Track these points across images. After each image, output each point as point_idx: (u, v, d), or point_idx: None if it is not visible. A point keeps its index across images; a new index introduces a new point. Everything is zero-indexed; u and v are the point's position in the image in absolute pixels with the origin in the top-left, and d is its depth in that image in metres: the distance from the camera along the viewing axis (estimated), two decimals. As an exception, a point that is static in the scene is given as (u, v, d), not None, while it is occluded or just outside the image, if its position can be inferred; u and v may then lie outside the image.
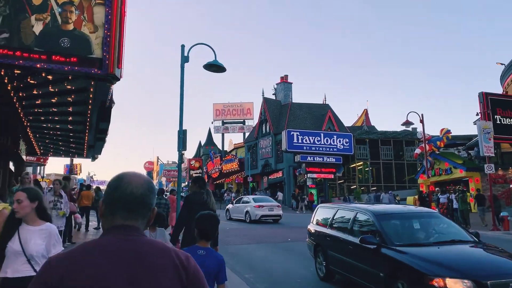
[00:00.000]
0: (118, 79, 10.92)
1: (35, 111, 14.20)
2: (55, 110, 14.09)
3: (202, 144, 66.30)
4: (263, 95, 45.24)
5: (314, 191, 35.62)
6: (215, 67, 11.61)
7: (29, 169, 59.11)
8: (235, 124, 61.54)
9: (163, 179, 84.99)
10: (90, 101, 12.91)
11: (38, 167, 58.90)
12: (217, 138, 63.39)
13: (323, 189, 37.41)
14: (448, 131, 29.04)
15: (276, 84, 47.60)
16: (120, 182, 1.43)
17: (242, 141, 56.19)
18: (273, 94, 50.38)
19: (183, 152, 11.29)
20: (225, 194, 44.00)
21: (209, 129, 63.96)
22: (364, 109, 51.19)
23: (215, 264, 3.07)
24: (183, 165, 54.81)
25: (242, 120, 61.06)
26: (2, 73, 11.09)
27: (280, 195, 38.36)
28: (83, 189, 17.28)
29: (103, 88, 12.52)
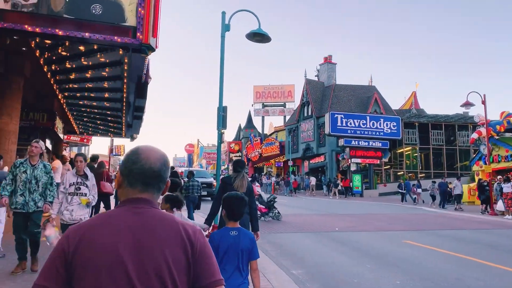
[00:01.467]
0: (154, 50, 9.95)
1: (70, 86, 13.59)
2: (90, 85, 13.40)
3: (242, 127, 65.57)
4: (305, 76, 43.69)
5: (358, 177, 33.96)
6: (259, 36, 10.43)
7: (74, 150, 60.64)
8: (275, 107, 60.24)
9: (203, 162, 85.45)
10: (125, 75, 12.09)
11: (83, 148, 60.41)
12: (257, 121, 62.49)
13: (368, 175, 35.67)
14: (510, 115, 26.48)
15: (319, 65, 45.79)
16: (138, 156, 1.46)
17: (282, 124, 54.95)
18: (315, 76, 48.65)
19: (223, 131, 10.25)
20: (265, 178, 42.97)
21: (249, 112, 63.07)
22: (413, 92, 48.42)
23: (247, 243, 3.19)
24: (223, 148, 54.09)
25: (282, 103, 59.64)
26: (33, 45, 10.44)
27: (313, 179, 37.27)
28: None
29: (138, 60, 11.64)
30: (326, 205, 24.23)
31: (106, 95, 14.30)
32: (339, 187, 33.28)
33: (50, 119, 14.59)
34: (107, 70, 11.91)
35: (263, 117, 59.82)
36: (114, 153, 74.12)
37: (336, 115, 34.61)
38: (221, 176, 7.09)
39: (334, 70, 44.35)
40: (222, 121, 10.10)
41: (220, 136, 10.18)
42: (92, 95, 14.44)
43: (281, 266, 7.41)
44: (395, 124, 35.70)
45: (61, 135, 16.78)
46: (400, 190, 27.05)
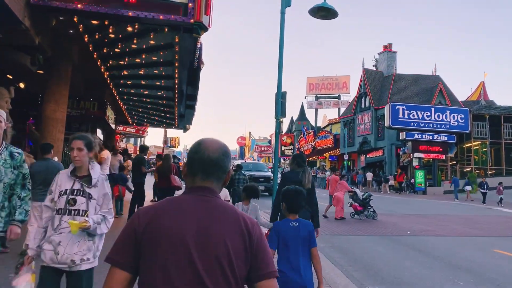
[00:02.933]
0: (206, 29, 8.94)
1: (120, 74, 12.99)
2: (140, 72, 12.71)
3: (294, 120, 64.19)
4: (363, 65, 41.45)
5: (421, 173, 31.61)
6: (324, 11, 9.12)
7: (131, 142, 62.00)
8: (329, 99, 58.35)
9: (255, 154, 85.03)
10: (177, 60, 11.24)
11: (139, 140, 61.74)
12: (310, 114, 60.91)
13: (432, 171, 33.15)
14: None
15: (378, 53, 43.38)
16: (199, 147, 1.55)
17: (336, 116, 52.99)
18: (373, 66, 46.32)
19: (281, 120, 9.09)
20: (317, 173, 41.42)
21: (302, 104, 61.54)
22: (481, 82, 44.68)
23: (306, 232, 3.34)
24: (274, 141, 53.09)
25: (337, 95, 57.65)
26: (81, 28, 9.81)
27: (369, 175, 35.73)
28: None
29: (189, 42, 10.73)
30: (387, 203, 22.48)
31: (157, 83, 13.60)
32: (390, 182, 31.78)
33: (100, 108, 14.14)
34: (157, 54, 11.12)
35: (316, 110, 58.18)
36: (168, 145, 75.54)
37: (397, 107, 32.34)
38: (280, 171, 6.41)
39: (394, 59, 41.75)
40: (281, 109, 8.94)
41: (279, 125, 9.04)
42: (143, 82, 13.80)
43: (353, 280, 6.17)
44: (462, 116, 32.84)
45: (112, 125, 16.39)
46: (481, 190, 24.21)
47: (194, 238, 1.37)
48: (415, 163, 32.57)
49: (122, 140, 46.51)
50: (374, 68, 43.91)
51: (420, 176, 31.58)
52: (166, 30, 9.17)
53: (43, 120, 9.93)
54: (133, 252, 1.40)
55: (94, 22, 9.19)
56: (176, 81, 12.74)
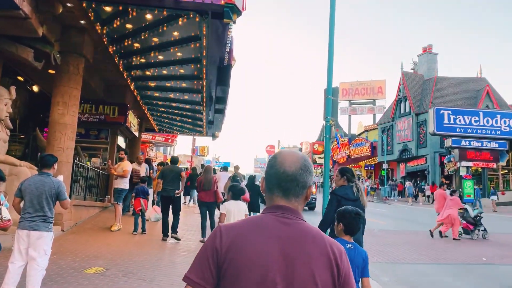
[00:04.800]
0: (239, 13, 7.32)
1: (142, 74, 11.58)
2: (165, 72, 11.24)
3: (327, 127, 61.97)
4: (401, 68, 39.06)
5: (470, 183, 28.93)
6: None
7: (161, 151, 61.46)
8: (363, 105, 55.94)
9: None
10: (205, 55, 9.66)
11: (168, 148, 61.12)
12: (343, 121, 58.85)
13: (481, 181, 30.38)
14: None
15: (418, 56, 40.83)
16: (275, 161, 1.42)
17: (371, 123, 50.57)
18: (411, 69, 43.71)
19: (332, 122, 7.32)
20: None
21: (335, 110, 59.20)
22: (531, 84, 41.40)
23: (360, 259, 3.19)
24: (305, 149, 51.23)
25: (372, 100, 55.20)
26: (92, 16, 8.40)
27: (408, 185, 33.51)
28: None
29: (219, 32, 9.16)
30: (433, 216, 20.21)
31: (184, 84, 12.10)
32: (427, 193, 29.76)
33: (121, 113, 12.75)
34: (182, 50, 9.59)
35: (350, 116, 55.90)
36: (198, 154, 74.90)
37: (442, 111, 29.83)
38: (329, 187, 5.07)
39: (435, 61, 39.17)
40: (331, 108, 7.19)
41: (329, 129, 7.29)
42: (168, 85, 12.32)
43: None
44: (515, 121, 30.01)
45: (135, 133, 15.02)
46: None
47: (279, 267, 1.25)
48: (463, 172, 29.88)
49: (152, 149, 45.65)
50: (412, 72, 41.42)
51: (468, 187, 28.81)
52: (191, 16, 7.63)
53: (50, 125, 8.56)
54: (214, 275, 1.29)
55: (107, 8, 7.76)
56: (204, 82, 11.20)
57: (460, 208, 12.45)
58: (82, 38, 8.76)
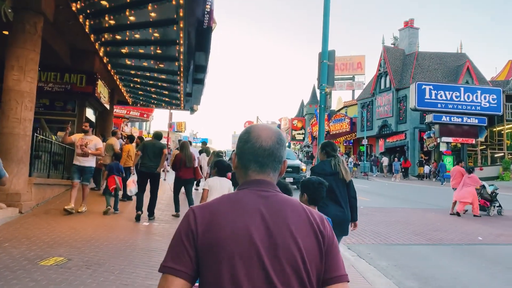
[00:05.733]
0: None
1: (112, 39, 10.42)
2: (137, 36, 10.13)
3: (305, 103, 61.62)
4: (383, 42, 38.47)
5: (450, 159, 28.94)
6: None
7: (136, 126, 59.75)
8: (343, 81, 55.28)
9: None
10: (181, 15, 8.63)
11: (144, 124, 59.55)
12: (322, 96, 58.07)
13: (460, 157, 30.42)
14: None
15: (399, 30, 40.14)
16: (249, 135, 1.37)
17: (350, 99, 50.19)
18: (391, 44, 43.14)
19: (328, 89, 6.50)
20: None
21: (313, 86, 58.75)
22: (509, 61, 41.49)
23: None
24: (283, 125, 50.80)
25: (351, 76, 54.55)
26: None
27: (385, 160, 34.28)
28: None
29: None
30: (418, 193, 19.97)
31: (159, 51, 11.00)
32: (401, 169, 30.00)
33: (90, 83, 11.57)
34: (157, 9, 8.50)
35: (329, 92, 55.32)
36: (175, 129, 73.48)
37: (423, 86, 29.49)
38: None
39: (416, 36, 38.60)
40: (327, 74, 6.34)
41: (324, 98, 6.47)
42: (141, 51, 11.19)
43: None
44: (495, 97, 29.95)
45: (106, 105, 13.82)
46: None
47: (262, 239, 1.20)
48: (443, 148, 29.85)
49: (126, 125, 44.12)
50: (393, 47, 40.84)
51: (448, 162, 28.88)
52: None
53: (4, 93, 7.44)
54: (193, 259, 1.21)
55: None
56: (182, 48, 10.14)
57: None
58: (39, -8, 7.56)
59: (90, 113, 13.32)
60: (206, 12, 8.55)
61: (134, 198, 9.61)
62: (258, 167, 1.34)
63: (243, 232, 1.20)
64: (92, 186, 10.77)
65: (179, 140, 19.72)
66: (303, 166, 16.86)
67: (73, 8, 8.31)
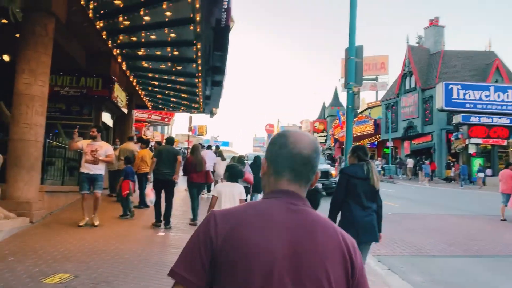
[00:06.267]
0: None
1: (128, 40, 10.10)
2: (153, 37, 9.79)
3: (327, 105, 60.81)
4: (407, 42, 37.43)
5: (480, 161, 27.75)
6: None
7: (158, 130, 60.08)
8: (366, 81, 53.99)
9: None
10: (198, 14, 8.22)
11: (166, 128, 59.76)
12: (344, 98, 57.11)
13: (491, 158, 29.17)
14: None
15: (424, 29, 38.99)
16: (287, 139, 1.25)
17: (374, 100, 49.10)
18: (416, 43, 42.00)
19: (356, 88, 5.95)
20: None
21: (335, 87, 58.04)
22: (541, 58, 39.78)
23: None
24: (305, 128, 50.09)
25: (374, 77, 53.40)
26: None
27: (410, 162, 33.09)
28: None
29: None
30: (447, 197, 19.05)
31: (176, 52, 10.64)
32: (428, 171, 28.48)
33: (106, 86, 11.28)
34: (172, 8, 8.11)
35: (357, 91, 54.38)
36: (196, 133, 73.58)
37: (451, 86, 28.45)
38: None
39: (442, 35, 37.42)
40: (355, 71, 5.79)
41: (352, 98, 5.91)
42: (158, 53, 10.86)
43: None
44: (527, 96, 28.65)
45: (124, 109, 13.54)
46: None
47: (287, 261, 1.09)
48: (472, 149, 28.65)
49: (148, 129, 44.28)
50: (418, 46, 39.71)
51: (479, 165, 27.68)
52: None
53: (14, 97, 7.14)
54: (207, 270, 1.10)
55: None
56: (199, 46, 9.73)
57: None
58: (50, -9, 7.26)
59: (107, 118, 13.07)
60: (223, 10, 8.11)
61: (151, 205, 9.30)
62: (293, 175, 1.23)
63: (267, 249, 1.10)
64: (106, 193, 10.47)
65: (201, 145, 19.41)
66: (333, 171, 15.91)
67: (86, 9, 7.99)
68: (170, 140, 8.61)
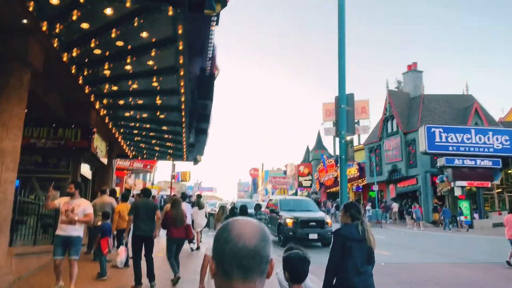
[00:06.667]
0: (224, 2, 5.76)
1: (108, 90, 9.79)
2: (134, 86, 9.49)
3: (311, 149, 61.12)
4: (387, 87, 38.27)
5: (466, 204, 27.62)
6: None
7: (140, 178, 58.88)
8: (348, 126, 55.05)
9: (269, 186, 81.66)
10: (182, 63, 7.99)
11: (148, 175, 58.71)
12: (327, 142, 57.87)
13: (476, 200, 29.12)
14: None
15: (402, 74, 40.02)
16: (229, 233, 1.17)
17: (357, 144, 49.49)
18: (395, 88, 43.00)
19: (348, 137, 5.66)
20: (330, 205, 37.91)
21: (318, 131, 58.57)
22: (516, 100, 40.96)
23: None
24: (289, 171, 49.78)
25: (356, 121, 54.19)
26: (34, 12, 6.68)
27: (395, 206, 33.20)
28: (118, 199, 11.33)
29: (199, 32, 7.51)
30: (438, 242, 18.62)
31: (158, 100, 10.34)
32: (413, 215, 28.16)
33: (85, 137, 10.82)
34: (155, 57, 7.87)
35: (334, 137, 54.76)
36: (179, 179, 72.27)
37: (433, 129, 28.77)
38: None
39: (420, 79, 38.40)
40: (347, 120, 5.53)
41: (345, 147, 5.61)
42: (140, 102, 10.54)
43: None
44: (507, 138, 29.14)
45: (103, 159, 13.01)
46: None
47: None
48: (457, 192, 28.59)
49: (130, 176, 43.29)
50: (396, 90, 40.61)
51: (465, 208, 27.54)
52: (163, 9, 5.97)
53: (-18, 152, 6.62)
54: None
55: (53, 1, 6.03)
56: (183, 97, 9.47)
57: None
58: (26, 41, 6.96)
59: (86, 169, 12.50)
60: (208, 59, 7.92)
61: (120, 266, 8.71)
62: (243, 273, 1.13)
63: None
64: (84, 250, 9.76)
65: (183, 193, 18.79)
66: (328, 219, 14.96)
67: (64, 59, 7.68)
68: (147, 193, 8.05)
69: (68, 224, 6.37)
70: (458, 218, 26.45)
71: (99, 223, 8.60)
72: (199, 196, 15.15)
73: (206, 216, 13.73)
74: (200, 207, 13.11)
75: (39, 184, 10.79)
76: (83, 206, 6.57)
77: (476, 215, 27.63)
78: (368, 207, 32.81)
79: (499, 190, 31.27)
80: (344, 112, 5.53)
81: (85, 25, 6.75)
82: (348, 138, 5.47)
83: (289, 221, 14.12)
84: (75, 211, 6.44)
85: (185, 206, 12.39)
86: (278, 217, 14.97)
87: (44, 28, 6.59)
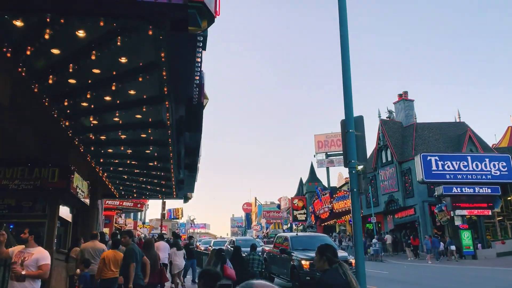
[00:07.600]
0: (211, 18, 5.04)
1: (87, 124, 9.00)
2: (115, 119, 8.71)
3: (304, 181, 60.24)
4: (379, 116, 37.94)
5: (468, 233, 26.68)
6: None
7: (131, 217, 57.20)
8: (340, 156, 54.37)
9: (263, 221, 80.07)
10: (166, 91, 7.25)
11: (139, 213, 57.11)
12: (321, 173, 57.38)
13: (478, 229, 28.23)
14: None
15: (393, 103, 39.90)
16: None
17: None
18: (387, 118, 42.80)
19: (359, 167, 4.87)
20: (343, 240, 36.58)
21: (311, 163, 57.85)
22: (509, 127, 40.82)
23: None
24: (283, 205, 48.52)
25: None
26: None
27: (388, 238, 32.51)
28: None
29: (184, 56, 6.81)
30: (444, 276, 17.60)
31: (143, 135, 9.55)
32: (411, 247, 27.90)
33: (63, 177, 9.89)
34: (137, 85, 7.13)
35: (328, 168, 54.11)
36: (172, 216, 70.40)
37: (429, 157, 28.14)
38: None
39: (412, 108, 38.24)
40: (356, 147, 4.75)
41: (356, 178, 4.80)
42: (123, 137, 9.73)
43: None
44: (504, 164, 28.54)
45: (85, 200, 12.00)
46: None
47: None
48: (458, 222, 27.68)
49: (120, 216, 41.83)
50: (389, 120, 40.38)
51: (467, 238, 26.60)
52: (142, 29, 5.28)
53: None
54: None
55: (17, 23, 5.31)
56: (169, 131, 8.69)
57: None
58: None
59: (65, 212, 11.46)
60: (195, 86, 7.20)
61: None
62: None
63: None
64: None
65: (174, 232, 17.72)
66: (352, 259, 11.88)
67: (35, 90, 6.91)
68: (116, 243, 7.25)
69: (16, 281, 5.03)
70: (448, 247, 26.06)
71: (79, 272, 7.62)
72: (175, 235, 14.32)
73: (184, 258, 12.77)
74: (179, 248, 12.24)
75: (13, 231, 9.76)
76: (36, 255, 5.16)
77: (479, 245, 26.67)
78: (374, 240, 31.44)
79: (500, 218, 30.46)
80: (352, 137, 4.77)
81: (55, 51, 6.02)
82: (359, 167, 4.71)
83: (306, 263, 11.62)
84: (25, 263, 5.07)
85: (163, 245, 11.55)
86: (290, 258, 12.53)
87: (8, 55, 5.85)
